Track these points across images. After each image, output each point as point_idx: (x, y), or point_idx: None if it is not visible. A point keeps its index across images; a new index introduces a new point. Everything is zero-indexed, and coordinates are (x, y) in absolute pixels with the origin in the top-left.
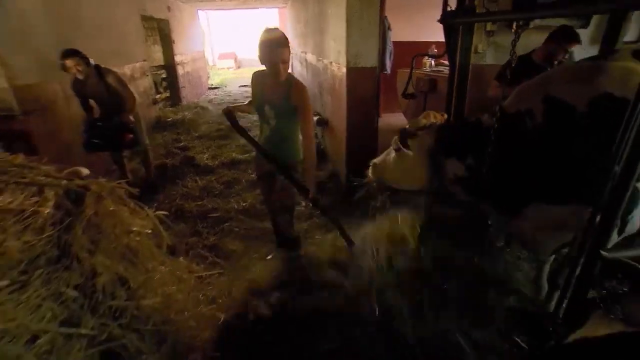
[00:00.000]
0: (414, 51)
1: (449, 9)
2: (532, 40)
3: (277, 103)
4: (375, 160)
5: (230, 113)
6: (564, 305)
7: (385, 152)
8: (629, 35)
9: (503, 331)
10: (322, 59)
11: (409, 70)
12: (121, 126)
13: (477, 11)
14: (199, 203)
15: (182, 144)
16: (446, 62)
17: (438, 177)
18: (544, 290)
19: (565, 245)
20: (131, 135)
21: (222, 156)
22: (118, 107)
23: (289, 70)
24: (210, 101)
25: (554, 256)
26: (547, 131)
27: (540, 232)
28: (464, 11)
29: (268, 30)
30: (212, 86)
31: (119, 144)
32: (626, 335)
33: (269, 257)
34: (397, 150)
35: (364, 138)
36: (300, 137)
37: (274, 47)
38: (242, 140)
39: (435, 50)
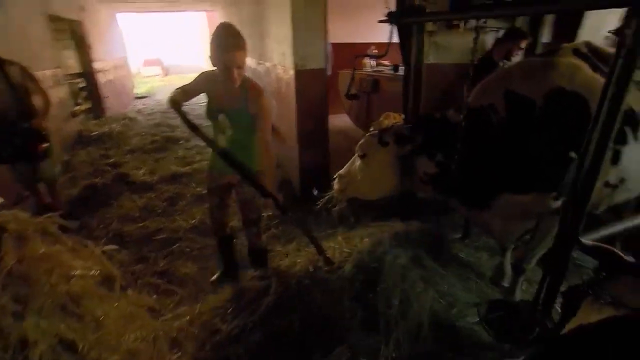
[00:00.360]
0: (353, 52)
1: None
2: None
3: (233, 112)
4: (341, 172)
5: (177, 104)
6: (542, 294)
7: (350, 162)
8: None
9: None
10: (264, 62)
11: (350, 71)
12: (32, 133)
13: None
14: (141, 225)
15: (112, 159)
16: (386, 63)
17: (409, 179)
18: (508, 276)
19: (528, 232)
20: (46, 145)
21: (161, 170)
22: (26, 108)
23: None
24: (138, 111)
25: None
26: (510, 124)
27: (507, 222)
28: (416, 11)
29: (222, 28)
30: (139, 95)
31: (31, 156)
32: (618, 318)
33: (212, 279)
34: (363, 157)
35: (315, 141)
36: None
37: (229, 49)
38: (181, 152)
39: (375, 50)
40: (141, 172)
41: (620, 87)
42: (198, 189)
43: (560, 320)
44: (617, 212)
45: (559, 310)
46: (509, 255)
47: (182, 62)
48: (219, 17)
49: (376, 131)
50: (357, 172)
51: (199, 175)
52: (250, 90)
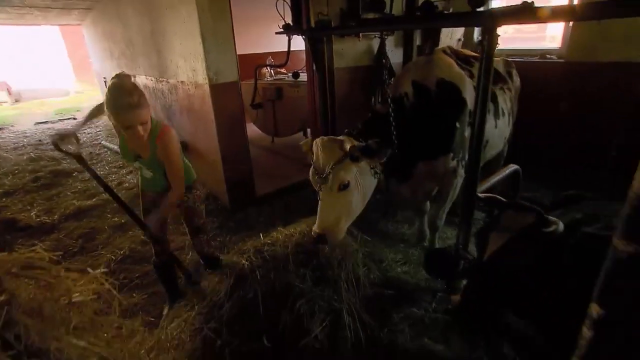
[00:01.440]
0: (251, 63)
1: (283, 23)
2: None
3: (147, 160)
4: (318, 228)
5: (58, 143)
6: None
7: (320, 207)
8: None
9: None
10: (167, 79)
11: (252, 82)
12: None
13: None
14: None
15: None
16: (283, 71)
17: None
18: (427, 234)
19: (435, 198)
20: None
21: (60, 208)
22: None
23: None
24: None
25: (428, 208)
26: (417, 107)
27: (423, 185)
28: (327, 26)
29: (114, 87)
30: None
31: None
32: (511, 237)
33: (164, 314)
34: (347, 186)
35: (237, 152)
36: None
37: (130, 109)
38: (79, 185)
39: (272, 60)
40: (33, 213)
41: (486, 77)
42: (115, 219)
43: (479, 253)
44: (490, 170)
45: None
46: (425, 219)
47: (38, 85)
48: (89, 33)
49: (339, 158)
50: (345, 207)
51: (112, 205)
52: (159, 137)
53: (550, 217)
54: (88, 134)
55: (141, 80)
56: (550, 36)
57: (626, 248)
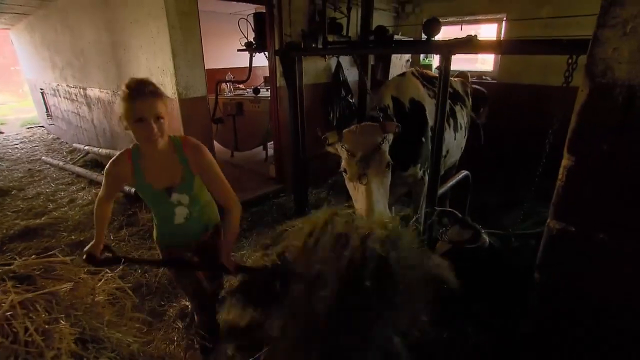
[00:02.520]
0: (211, 78)
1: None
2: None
3: (182, 185)
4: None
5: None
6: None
7: (371, 191)
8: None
9: None
10: None
11: (213, 97)
12: None
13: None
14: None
15: None
16: (242, 87)
17: None
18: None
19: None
20: None
21: (2, 228)
22: None
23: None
24: None
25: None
26: (394, 117)
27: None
28: (296, 47)
29: (134, 79)
30: None
31: None
32: (451, 248)
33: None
34: (388, 165)
35: None
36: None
37: (146, 96)
38: (22, 203)
39: (232, 76)
40: None
41: (444, 94)
42: (73, 237)
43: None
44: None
45: None
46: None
47: None
48: (21, 40)
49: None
50: (388, 186)
51: (65, 223)
52: (186, 148)
53: (483, 234)
54: (22, 149)
55: (94, 93)
56: (481, 59)
57: (556, 226)
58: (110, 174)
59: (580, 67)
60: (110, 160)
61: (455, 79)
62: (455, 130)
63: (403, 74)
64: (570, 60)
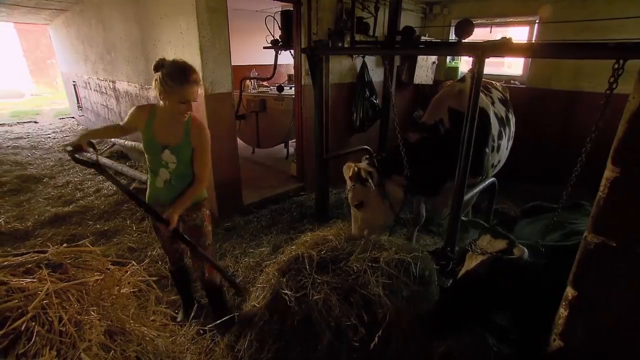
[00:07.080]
0: (236, 75)
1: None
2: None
3: (178, 146)
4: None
5: (77, 148)
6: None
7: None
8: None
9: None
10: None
11: (237, 93)
12: None
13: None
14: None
15: None
16: (265, 84)
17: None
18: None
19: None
20: None
21: (33, 214)
22: None
23: None
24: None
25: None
26: (452, 132)
27: (447, 200)
28: (324, 46)
29: (182, 63)
30: None
31: None
32: (485, 260)
33: (178, 319)
34: (360, 205)
35: (228, 161)
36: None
37: (195, 84)
38: (52, 191)
39: (257, 73)
40: (1, 220)
41: (475, 97)
42: (98, 226)
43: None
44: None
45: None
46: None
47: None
48: (58, 34)
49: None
50: (367, 220)
51: (91, 212)
52: (193, 122)
53: (519, 245)
54: (54, 138)
55: (122, 86)
56: (507, 62)
57: (594, 240)
58: (132, 113)
59: (628, 72)
60: (137, 105)
61: (497, 83)
62: (509, 139)
63: (462, 79)
64: (616, 65)
